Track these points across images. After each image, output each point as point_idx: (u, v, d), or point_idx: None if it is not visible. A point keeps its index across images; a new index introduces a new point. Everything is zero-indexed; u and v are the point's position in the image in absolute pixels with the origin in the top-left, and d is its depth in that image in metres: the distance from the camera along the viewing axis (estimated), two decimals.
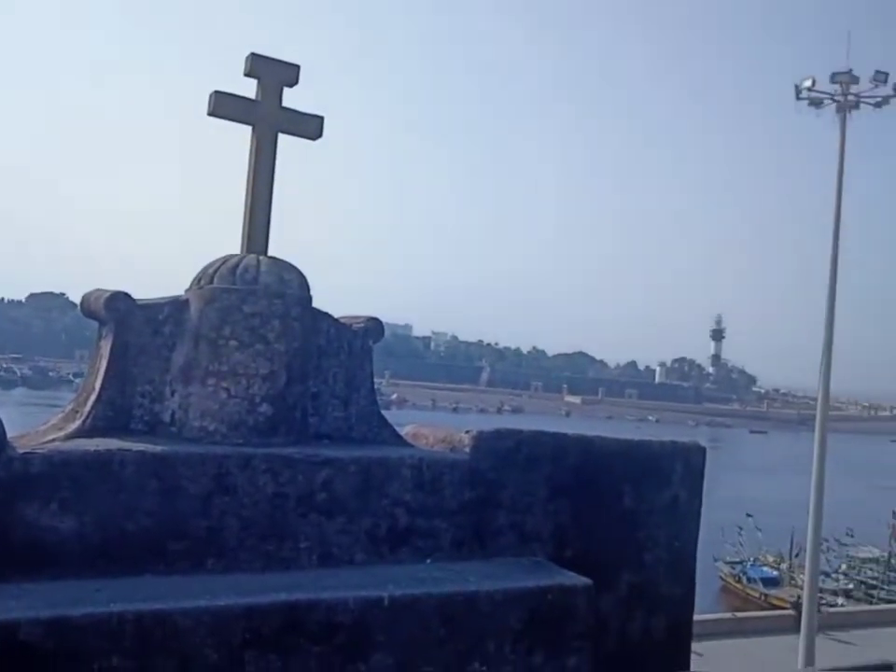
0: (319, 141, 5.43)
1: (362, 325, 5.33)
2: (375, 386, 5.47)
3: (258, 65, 5.10)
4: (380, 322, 5.48)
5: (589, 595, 4.60)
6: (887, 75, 21.30)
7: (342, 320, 5.34)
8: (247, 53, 5.12)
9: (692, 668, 5.98)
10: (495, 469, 5.03)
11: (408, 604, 4.09)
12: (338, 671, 3.92)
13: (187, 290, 4.91)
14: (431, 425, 5.77)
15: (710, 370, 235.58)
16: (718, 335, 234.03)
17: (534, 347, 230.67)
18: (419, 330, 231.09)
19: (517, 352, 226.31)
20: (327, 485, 4.47)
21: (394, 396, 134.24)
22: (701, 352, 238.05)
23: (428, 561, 4.71)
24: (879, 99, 21.53)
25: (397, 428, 5.59)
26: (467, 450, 5.04)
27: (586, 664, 4.53)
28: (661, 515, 5.79)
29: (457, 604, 4.21)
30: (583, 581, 4.65)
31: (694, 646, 6.97)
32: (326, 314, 5.22)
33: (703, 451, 6.28)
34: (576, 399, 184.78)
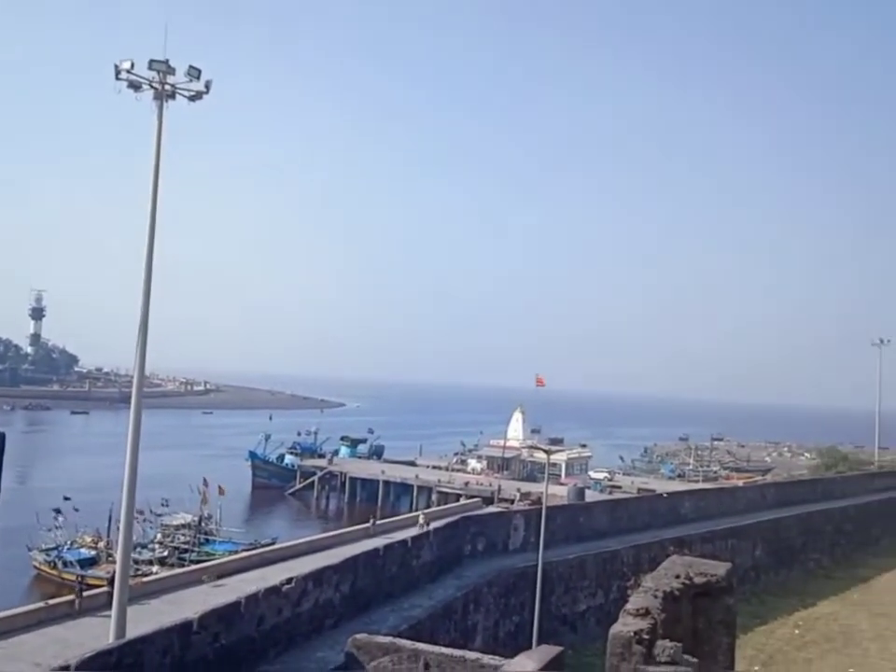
0: None
1: None
2: None
3: None
4: None
5: None
6: (200, 71, 22.66)
7: None
8: None
9: None
10: None
11: None
12: None
13: None
14: None
15: (29, 350, 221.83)
16: (38, 314, 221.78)
17: None
18: None
19: None
20: None
21: None
22: (19, 331, 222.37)
23: None
24: (193, 93, 22.84)
25: None
26: None
27: None
28: None
29: None
30: None
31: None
32: None
33: (2, 437, 6.09)
34: None
